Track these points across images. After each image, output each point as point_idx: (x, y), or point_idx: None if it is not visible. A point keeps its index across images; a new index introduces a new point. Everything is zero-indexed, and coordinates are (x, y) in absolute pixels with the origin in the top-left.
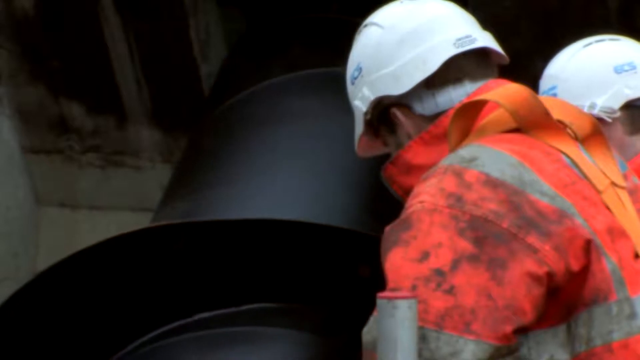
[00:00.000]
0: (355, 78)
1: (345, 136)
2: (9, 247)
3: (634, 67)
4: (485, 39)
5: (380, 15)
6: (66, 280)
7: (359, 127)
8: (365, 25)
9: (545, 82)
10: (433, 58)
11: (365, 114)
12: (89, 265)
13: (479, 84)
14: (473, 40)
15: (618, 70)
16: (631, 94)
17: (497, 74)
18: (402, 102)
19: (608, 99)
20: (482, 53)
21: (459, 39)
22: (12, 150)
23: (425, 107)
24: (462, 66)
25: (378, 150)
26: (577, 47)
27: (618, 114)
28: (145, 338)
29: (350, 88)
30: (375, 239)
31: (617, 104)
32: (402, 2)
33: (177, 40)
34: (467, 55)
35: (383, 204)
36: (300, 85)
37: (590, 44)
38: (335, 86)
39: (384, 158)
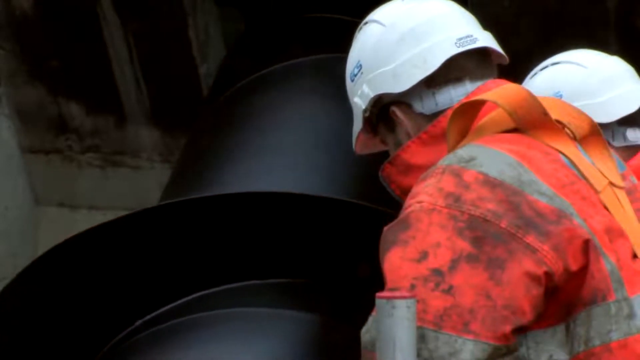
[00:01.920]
0: (355, 75)
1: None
2: (8, 247)
3: (559, 97)
4: (485, 39)
5: (381, 13)
6: (44, 279)
7: (358, 125)
8: (366, 23)
9: None
10: (433, 57)
11: (364, 111)
12: (67, 261)
13: (479, 84)
14: (474, 40)
15: None
16: None
17: (496, 74)
18: (402, 100)
19: None
20: (483, 53)
21: (460, 39)
22: (11, 150)
23: (425, 105)
24: (462, 66)
25: (376, 147)
26: (529, 75)
27: None
28: (140, 321)
29: (349, 85)
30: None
31: None
32: (399, 1)
33: (176, 40)
34: (468, 54)
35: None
36: (292, 74)
37: (538, 72)
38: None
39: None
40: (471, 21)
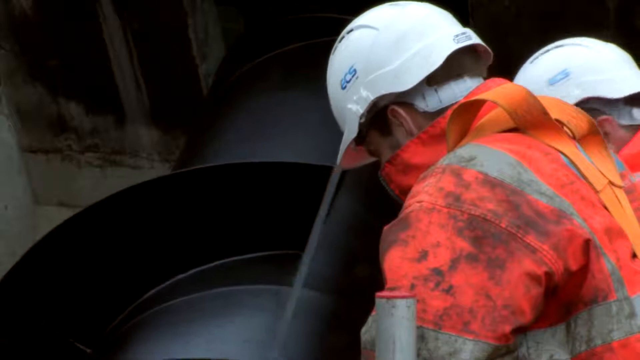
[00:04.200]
0: (348, 82)
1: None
2: (7, 247)
3: (567, 75)
4: (476, 36)
5: (367, 19)
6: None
7: (350, 133)
8: (350, 31)
9: None
10: (436, 53)
11: (361, 116)
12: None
13: (477, 81)
14: (469, 37)
15: (552, 82)
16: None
17: (486, 72)
18: (403, 100)
19: None
20: (474, 50)
21: (457, 35)
22: (10, 149)
23: (429, 103)
24: (460, 62)
25: (361, 159)
26: (529, 61)
27: None
28: (135, 303)
29: (338, 94)
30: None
31: None
32: (385, 7)
33: (175, 40)
34: (463, 52)
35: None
36: (282, 65)
37: (539, 55)
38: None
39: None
40: (455, 20)
